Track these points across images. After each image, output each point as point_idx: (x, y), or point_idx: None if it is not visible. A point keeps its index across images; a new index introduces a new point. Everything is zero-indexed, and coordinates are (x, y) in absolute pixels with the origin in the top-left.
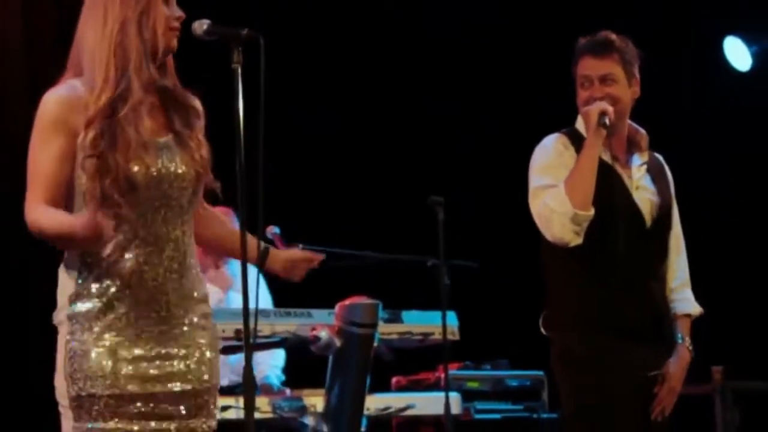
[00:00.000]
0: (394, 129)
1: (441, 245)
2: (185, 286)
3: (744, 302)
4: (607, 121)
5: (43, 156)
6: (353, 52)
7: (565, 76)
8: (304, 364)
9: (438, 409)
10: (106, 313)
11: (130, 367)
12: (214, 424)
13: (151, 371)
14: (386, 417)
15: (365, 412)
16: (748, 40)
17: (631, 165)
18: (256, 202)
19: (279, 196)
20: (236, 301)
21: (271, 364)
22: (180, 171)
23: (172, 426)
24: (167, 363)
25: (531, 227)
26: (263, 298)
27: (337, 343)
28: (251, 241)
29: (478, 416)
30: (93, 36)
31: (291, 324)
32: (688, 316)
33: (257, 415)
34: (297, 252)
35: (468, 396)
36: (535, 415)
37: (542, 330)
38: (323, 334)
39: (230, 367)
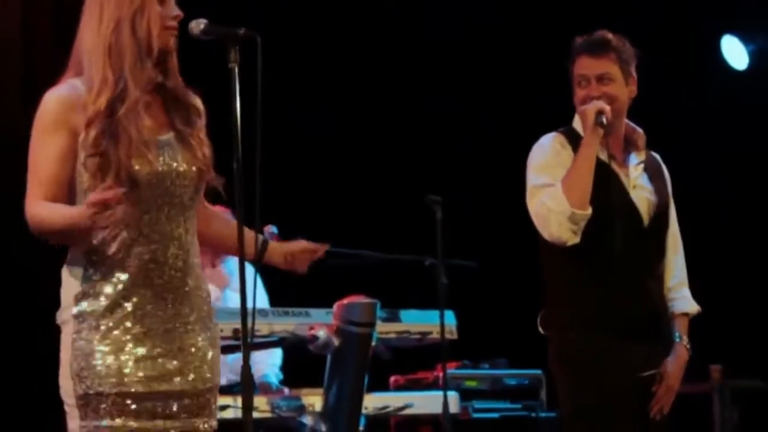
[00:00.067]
0: (394, 129)
1: (439, 244)
2: (189, 284)
3: (742, 301)
4: (604, 120)
5: (43, 155)
6: (353, 52)
7: (564, 76)
8: (303, 363)
9: (436, 408)
10: (113, 312)
11: (137, 366)
12: (215, 423)
13: (157, 369)
14: (384, 416)
15: (363, 411)
16: (745, 39)
17: (628, 164)
18: (254, 201)
19: (277, 196)
20: (233, 300)
21: (269, 363)
22: (182, 169)
23: (177, 424)
24: (172, 361)
25: (529, 227)
26: (259, 298)
27: (336, 342)
28: (249, 234)
29: (476, 415)
30: (90, 36)
31: (289, 323)
32: (686, 314)
33: (255, 415)
34: (297, 244)
35: (466, 395)
36: (533, 414)
37: (540, 329)
38: (321, 333)
39: (228, 367)
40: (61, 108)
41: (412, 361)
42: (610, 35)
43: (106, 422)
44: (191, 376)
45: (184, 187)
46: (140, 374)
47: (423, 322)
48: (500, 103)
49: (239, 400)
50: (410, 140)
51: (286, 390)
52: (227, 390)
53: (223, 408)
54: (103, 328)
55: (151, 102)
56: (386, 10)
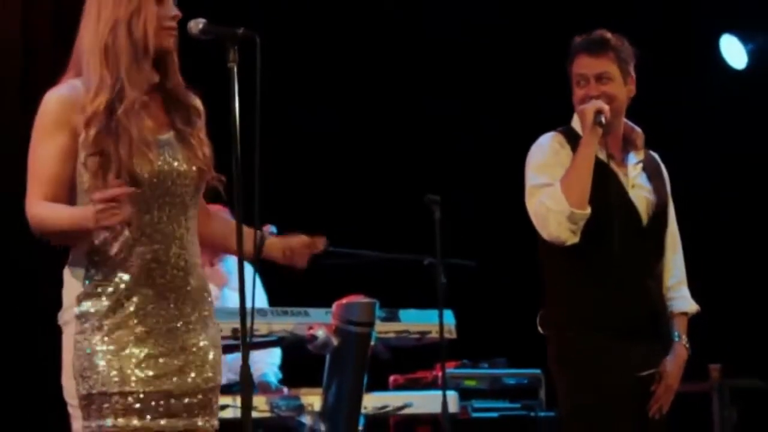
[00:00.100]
0: (394, 129)
1: (438, 244)
2: (191, 283)
3: (741, 300)
4: (603, 119)
5: (44, 154)
6: (353, 52)
7: (564, 76)
8: (302, 362)
9: (435, 408)
10: (115, 312)
11: (139, 365)
12: (216, 423)
13: (159, 369)
14: (384, 416)
15: (362, 410)
16: (744, 38)
17: (627, 163)
18: (253, 200)
19: (277, 195)
20: (231, 299)
21: (268, 362)
22: (182, 168)
23: (180, 423)
24: (174, 361)
25: (529, 226)
26: (258, 298)
27: (335, 341)
28: (248, 231)
29: (475, 414)
30: (88, 37)
31: (288, 323)
32: (685, 314)
33: (254, 414)
34: (295, 239)
35: (465, 394)
36: (532, 414)
37: (539, 329)
38: (320, 332)
39: (228, 366)
40: (62, 108)
41: (411, 361)
42: (608, 34)
43: (109, 422)
44: (193, 376)
45: (185, 187)
46: (143, 374)
47: (422, 322)
48: (500, 103)
49: (238, 400)
50: (410, 140)
51: (285, 389)
52: (226, 389)
53: (223, 407)
54: (105, 328)
55: (151, 102)
56: (386, 10)
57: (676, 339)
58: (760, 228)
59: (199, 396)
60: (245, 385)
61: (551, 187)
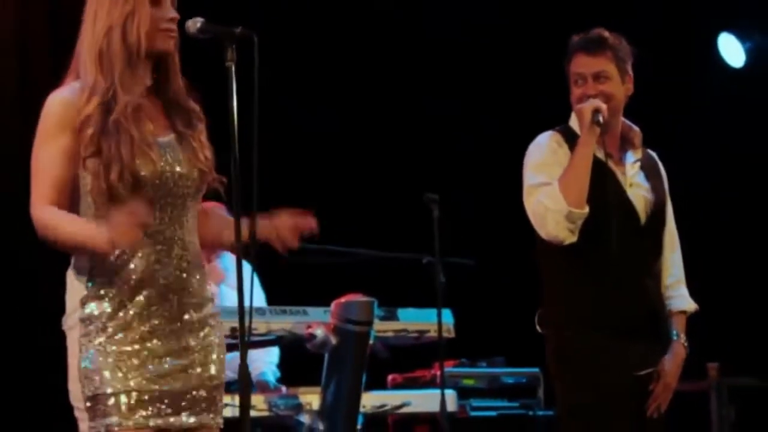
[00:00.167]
0: (394, 129)
1: (436, 243)
2: (193, 284)
3: (739, 299)
4: (600, 118)
5: (47, 157)
6: (353, 52)
7: (564, 76)
8: (300, 361)
9: (434, 407)
10: (119, 314)
11: (143, 365)
12: (221, 420)
13: (163, 368)
14: (382, 414)
15: (361, 409)
16: (742, 37)
17: (624, 162)
18: (251, 200)
19: (276, 195)
20: (229, 296)
21: (266, 361)
22: (184, 170)
23: (185, 420)
24: (179, 361)
25: (527, 225)
26: (256, 296)
27: (333, 340)
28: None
29: (473, 413)
30: (85, 41)
31: (287, 322)
32: (683, 312)
33: (253, 413)
34: (280, 220)
35: (464, 393)
36: (530, 413)
37: (538, 327)
38: (319, 331)
39: (226, 365)
40: (64, 110)
41: (410, 360)
42: (606, 33)
43: (114, 420)
44: (197, 374)
45: (186, 188)
46: (147, 373)
47: (420, 321)
48: (500, 103)
49: (237, 399)
50: (410, 140)
51: (284, 388)
52: (225, 388)
53: None
54: (110, 329)
55: (151, 105)
56: (386, 10)
57: (675, 338)
58: (758, 226)
59: (204, 394)
60: (244, 384)
61: (549, 186)
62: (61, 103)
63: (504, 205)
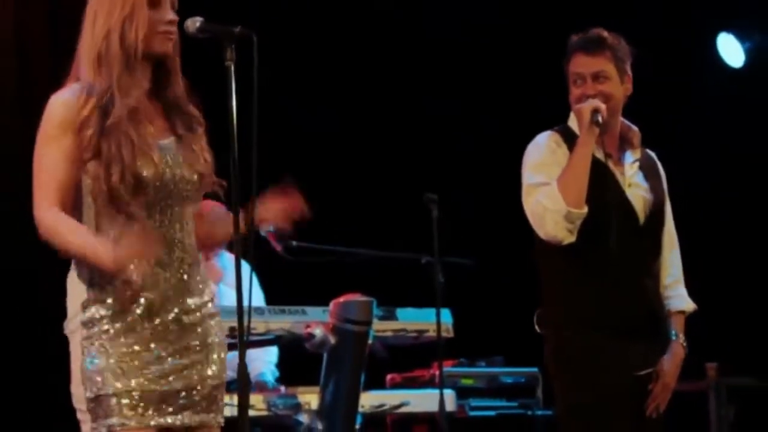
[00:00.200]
0: (394, 129)
1: (435, 242)
2: (194, 285)
3: (738, 299)
4: (599, 118)
5: (51, 158)
6: (353, 52)
7: (564, 76)
8: (299, 361)
9: (432, 406)
10: (121, 316)
11: (145, 365)
12: (222, 420)
13: (165, 368)
14: (381, 414)
15: (360, 409)
16: (742, 37)
17: (623, 162)
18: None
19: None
20: (227, 295)
21: (265, 361)
22: (184, 173)
23: (185, 420)
24: (180, 360)
25: (526, 225)
26: (255, 296)
27: (332, 340)
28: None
29: (472, 413)
30: (84, 43)
31: (285, 321)
32: (682, 312)
33: (252, 413)
34: (271, 205)
35: (462, 393)
36: (529, 412)
37: (536, 327)
38: (318, 331)
39: (227, 364)
40: (66, 111)
41: (409, 359)
42: (605, 33)
43: (115, 420)
44: (198, 373)
45: (187, 191)
46: (148, 373)
47: (419, 320)
48: (500, 103)
49: (235, 398)
50: (410, 140)
51: (283, 388)
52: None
53: None
54: (111, 331)
55: (151, 107)
56: (386, 10)
57: (673, 338)
58: (757, 226)
59: (205, 393)
60: (242, 384)
61: (548, 186)
62: (62, 105)
63: (503, 205)
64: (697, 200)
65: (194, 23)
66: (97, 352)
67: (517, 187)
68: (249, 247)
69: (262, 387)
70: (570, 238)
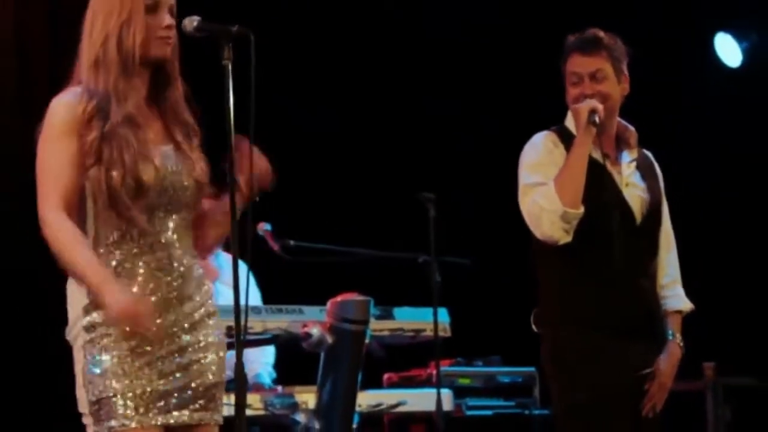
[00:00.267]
0: (394, 129)
1: (432, 242)
2: (193, 287)
3: (736, 298)
4: (597, 118)
5: (56, 162)
6: (353, 52)
7: (562, 76)
8: (296, 360)
9: (430, 406)
10: None
11: (145, 366)
12: (220, 419)
13: (165, 368)
14: (378, 413)
15: (357, 408)
16: (739, 37)
17: (620, 162)
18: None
19: (273, 194)
20: (223, 293)
21: (263, 362)
22: (183, 179)
23: (185, 419)
24: (179, 360)
25: (523, 225)
26: (252, 295)
27: (329, 339)
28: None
29: (469, 413)
30: (84, 48)
31: (282, 321)
32: (679, 312)
33: (249, 412)
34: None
35: (460, 392)
36: (526, 412)
37: (533, 327)
38: (315, 330)
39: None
40: (69, 113)
41: (406, 359)
42: (601, 33)
43: (117, 422)
44: (197, 372)
45: (186, 198)
46: (149, 374)
47: (416, 320)
48: (500, 103)
49: (232, 398)
50: (410, 140)
51: (280, 388)
52: None
53: None
54: (113, 335)
55: (150, 113)
56: (386, 10)
57: (670, 337)
58: (754, 226)
59: (204, 392)
60: (239, 384)
61: (545, 186)
62: (65, 107)
63: (502, 205)
64: (694, 200)
65: (191, 22)
66: (98, 356)
67: (515, 187)
68: (246, 246)
69: (258, 389)
70: (566, 238)
